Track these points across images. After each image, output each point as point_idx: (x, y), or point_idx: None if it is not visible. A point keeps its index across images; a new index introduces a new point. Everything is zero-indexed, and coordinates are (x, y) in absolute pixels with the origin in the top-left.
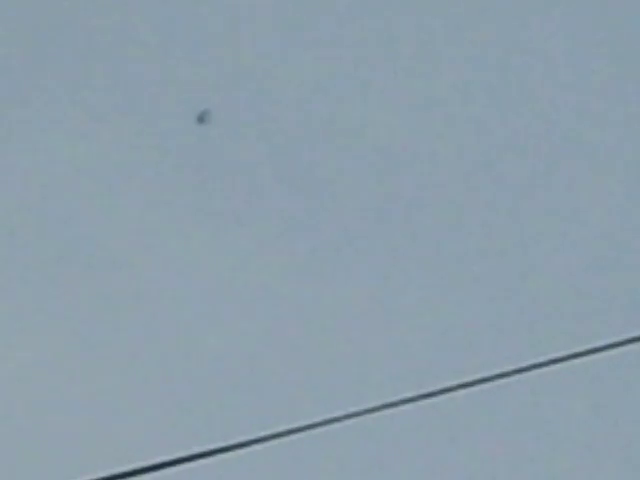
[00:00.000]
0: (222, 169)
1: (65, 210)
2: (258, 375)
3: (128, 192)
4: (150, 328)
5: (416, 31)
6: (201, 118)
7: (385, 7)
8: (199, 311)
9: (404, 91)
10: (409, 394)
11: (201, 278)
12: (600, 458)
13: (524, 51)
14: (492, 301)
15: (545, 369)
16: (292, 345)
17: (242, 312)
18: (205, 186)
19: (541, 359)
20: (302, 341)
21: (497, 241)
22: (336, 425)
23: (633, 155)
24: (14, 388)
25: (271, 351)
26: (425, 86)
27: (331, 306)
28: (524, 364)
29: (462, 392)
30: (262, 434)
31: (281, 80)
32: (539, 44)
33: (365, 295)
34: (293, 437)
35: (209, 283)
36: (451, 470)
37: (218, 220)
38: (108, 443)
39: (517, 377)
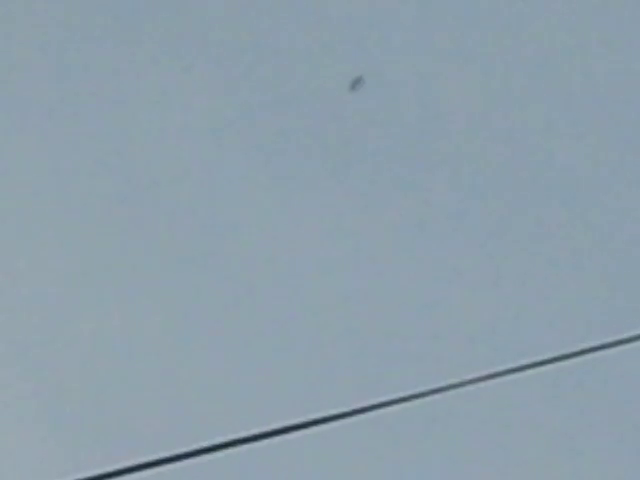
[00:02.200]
0: (372, 138)
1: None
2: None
3: (274, 160)
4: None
5: None
6: (353, 85)
7: None
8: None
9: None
10: (408, 392)
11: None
12: (600, 457)
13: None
14: (494, 299)
15: (542, 368)
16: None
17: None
18: (354, 155)
19: (540, 358)
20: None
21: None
22: (335, 423)
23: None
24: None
25: (264, 346)
26: None
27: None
28: (526, 362)
29: (459, 390)
30: (259, 431)
31: (441, 51)
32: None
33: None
34: (289, 436)
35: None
36: (451, 468)
37: (365, 192)
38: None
39: (514, 376)
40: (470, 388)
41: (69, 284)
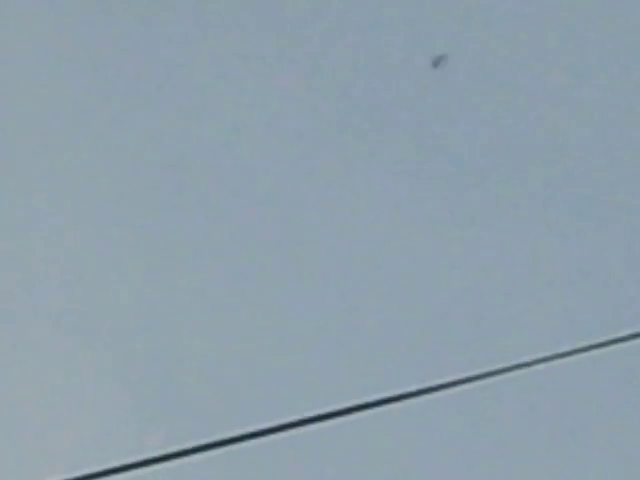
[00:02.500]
0: (454, 116)
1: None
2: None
3: (355, 138)
4: None
5: None
6: (436, 62)
7: None
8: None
9: None
10: (410, 389)
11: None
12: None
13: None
14: (493, 296)
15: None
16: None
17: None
18: (434, 132)
19: (543, 354)
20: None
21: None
22: (337, 420)
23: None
24: None
25: (268, 341)
26: None
27: None
28: (526, 359)
29: (463, 387)
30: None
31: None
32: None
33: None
34: (289, 433)
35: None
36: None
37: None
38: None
39: (518, 372)
40: (470, 385)
41: (148, 272)
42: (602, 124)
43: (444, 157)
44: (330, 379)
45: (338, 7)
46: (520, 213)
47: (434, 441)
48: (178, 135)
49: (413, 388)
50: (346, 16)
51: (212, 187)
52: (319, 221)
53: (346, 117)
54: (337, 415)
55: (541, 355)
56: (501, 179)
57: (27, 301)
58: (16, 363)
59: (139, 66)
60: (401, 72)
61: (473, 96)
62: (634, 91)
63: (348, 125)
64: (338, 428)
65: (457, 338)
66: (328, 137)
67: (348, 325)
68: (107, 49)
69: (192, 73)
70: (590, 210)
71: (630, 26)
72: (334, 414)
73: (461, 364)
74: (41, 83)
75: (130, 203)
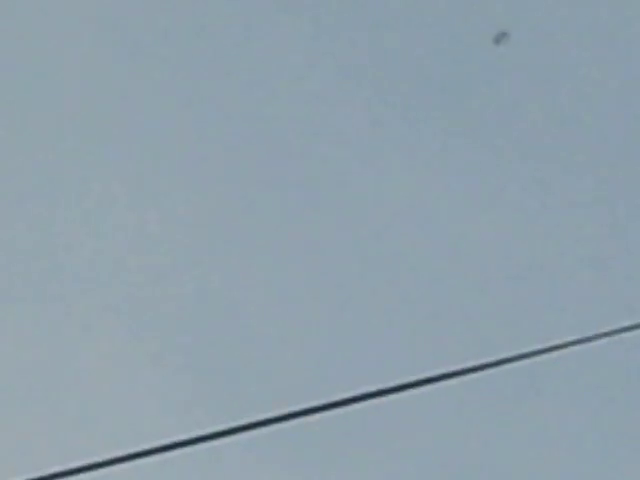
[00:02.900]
0: (514, 95)
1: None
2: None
3: (414, 113)
4: None
5: None
6: (498, 39)
7: None
8: None
9: None
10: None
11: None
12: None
13: None
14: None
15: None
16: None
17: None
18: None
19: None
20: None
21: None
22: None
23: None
24: None
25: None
26: None
27: None
28: (522, 351)
29: (458, 380)
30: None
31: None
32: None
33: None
34: (287, 424)
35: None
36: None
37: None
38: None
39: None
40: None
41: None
42: None
43: (501, 137)
44: (327, 371)
45: None
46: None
47: (432, 433)
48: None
49: (411, 379)
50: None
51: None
52: (329, 213)
53: (408, 96)
54: (332, 407)
55: (540, 347)
56: (550, 162)
57: (75, 286)
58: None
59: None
60: (462, 48)
61: (534, 74)
62: None
63: (410, 103)
64: (334, 419)
65: (456, 329)
66: (389, 114)
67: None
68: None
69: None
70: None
71: None
72: (328, 406)
73: (459, 356)
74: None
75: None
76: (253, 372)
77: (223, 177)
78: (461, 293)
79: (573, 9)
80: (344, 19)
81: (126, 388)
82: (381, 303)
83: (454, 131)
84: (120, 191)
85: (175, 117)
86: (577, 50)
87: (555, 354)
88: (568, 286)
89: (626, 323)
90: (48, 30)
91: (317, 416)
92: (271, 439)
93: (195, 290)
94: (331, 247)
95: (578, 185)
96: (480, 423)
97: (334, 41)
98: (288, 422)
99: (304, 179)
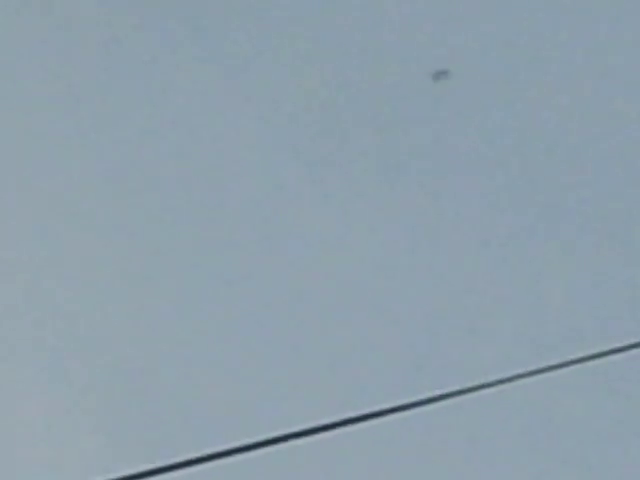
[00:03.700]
0: (454, 129)
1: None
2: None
3: (347, 148)
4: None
5: None
6: (437, 77)
7: None
8: None
9: None
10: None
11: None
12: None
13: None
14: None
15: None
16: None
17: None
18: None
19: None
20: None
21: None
22: (343, 429)
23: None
24: None
25: (267, 348)
26: None
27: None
28: (534, 367)
29: (472, 395)
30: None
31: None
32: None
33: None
34: (292, 443)
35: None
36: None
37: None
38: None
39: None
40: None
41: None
42: (607, 138)
43: (443, 170)
44: (312, 393)
45: (339, 20)
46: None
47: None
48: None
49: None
50: (347, 28)
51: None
52: (312, 236)
53: (343, 129)
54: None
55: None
56: (496, 192)
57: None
58: None
59: None
60: (401, 85)
61: (473, 111)
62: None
63: (344, 137)
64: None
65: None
66: (324, 149)
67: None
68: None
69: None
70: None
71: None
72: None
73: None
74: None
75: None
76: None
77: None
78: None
79: (514, 47)
80: (283, 52)
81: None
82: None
83: (390, 168)
84: None
85: None
86: (516, 88)
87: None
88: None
89: None
90: None
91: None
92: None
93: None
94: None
95: (515, 222)
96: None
97: (266, 76)
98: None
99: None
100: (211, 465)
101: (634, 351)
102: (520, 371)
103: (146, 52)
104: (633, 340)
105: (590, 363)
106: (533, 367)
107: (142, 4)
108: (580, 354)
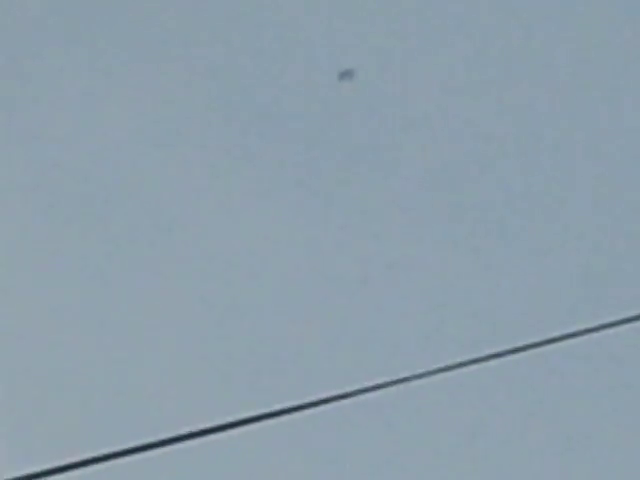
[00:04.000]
0: (359, 128)
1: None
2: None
3: (263, 146)
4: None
5: None
6: (343, 76)
7: None
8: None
9: None
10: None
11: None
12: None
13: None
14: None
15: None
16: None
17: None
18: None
19: (535, 340)
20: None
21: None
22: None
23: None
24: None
25: (269, 329)
26: None
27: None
28: (518, 344)
29: (455, 372)
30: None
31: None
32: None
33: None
34: (286, 418)
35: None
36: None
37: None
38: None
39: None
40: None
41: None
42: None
43: (347, 170)
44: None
45: (245, 19)
46: (413, 225)
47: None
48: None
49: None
50: (253, 27)
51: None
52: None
53: (247, 127)
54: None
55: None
56: (404, 194)
57: None
58: None
59: None
60: (306, 84)
61: (378, 109)
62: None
63: (249, 136)
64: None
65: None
66: (228, 148)
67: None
68: None
69: None
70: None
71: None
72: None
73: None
74: None
75: None
76: None
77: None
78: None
79: (418, 47)
80: (189, 52)
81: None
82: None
83: (296, 168)
84: None
85: None
86: (420, 89)
87: None
88: None
89: None
90: None
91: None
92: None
93: None
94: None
95: (432, 230)
96: None
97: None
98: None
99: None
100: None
101: (541, 349)
102: (422, 370)
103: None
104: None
105: (498, 361)
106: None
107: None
108: (492, 350)
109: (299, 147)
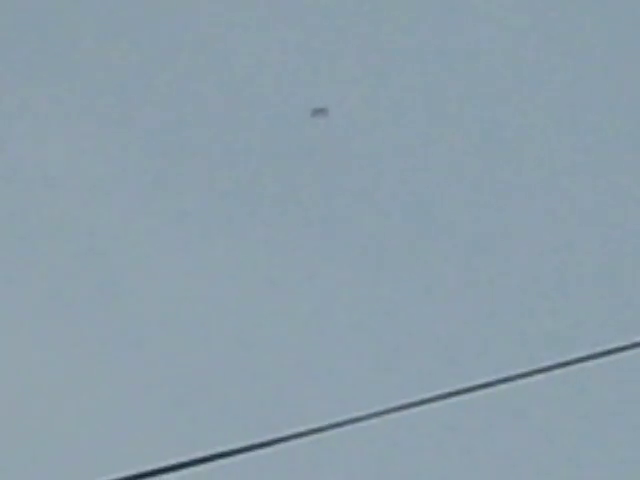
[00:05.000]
0: (326, 166)
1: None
2: (254, 378)
3: (237, 184)
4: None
5: None
6: (315, 114)
7: None
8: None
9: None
10: (411, 399)
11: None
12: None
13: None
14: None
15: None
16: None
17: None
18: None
19: (542, 364)
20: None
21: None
22: (339, 430)
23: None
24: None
25: (271, 354)
26: None
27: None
28: (527, 369)
29: (464, 397)
30: (261, 440)
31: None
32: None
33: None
34: (295, 442)
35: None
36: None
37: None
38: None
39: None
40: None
41: None
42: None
43: (319, 202)
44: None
45: (220, 57)
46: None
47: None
48: None
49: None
50: (228, 64)
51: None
52: None
53: (220, 162)
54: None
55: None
56: (368, 227)
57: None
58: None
59: None
60: (279, 120)
61: (346, 146)
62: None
63: (222, 170)
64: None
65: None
66: (202, 180)
67: None
68: None
69: None
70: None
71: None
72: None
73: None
74: None
75: None
76: None
77: None
78: None
79: (390, 87)
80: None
81: None
82: None
83: (268, 202)
84: None
85: None
86: (388, 128)
87: None
88: None
89: None
90: None
91: None
92: None
93: None
94: None
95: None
96: None
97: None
98: None
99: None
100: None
101: None
102: None
103: None
104: None
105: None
106: None
107: None
108: None
109: (270, 180)
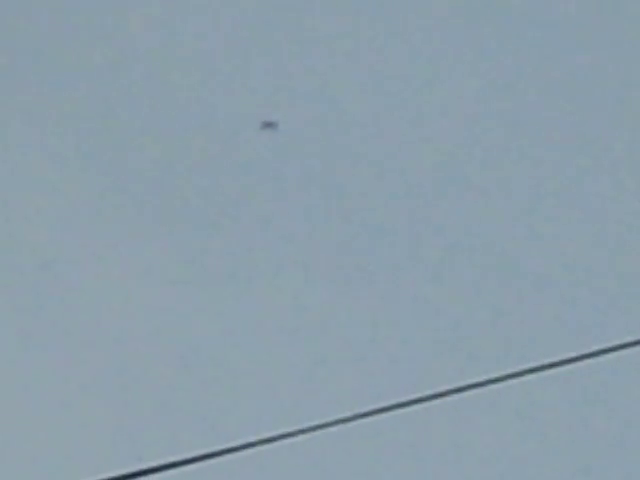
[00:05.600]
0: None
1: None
2: (252, 377)
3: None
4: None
5: None
6: (266, 125)
7: None
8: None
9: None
10: (406, 398)
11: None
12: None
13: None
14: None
15: (542, 373)
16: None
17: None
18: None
19: (540, 362)
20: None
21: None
22: (335, 428)
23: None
24: None
25: (272, 353)
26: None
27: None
28: (523, 367)
29: (460, 395)
30: (255, 438)
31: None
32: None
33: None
34: (290, 440)
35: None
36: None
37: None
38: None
39: (513, 381)
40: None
41: None
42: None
43: (266, 215)
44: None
45: (171, 69)
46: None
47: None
48: None
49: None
50: (179, 78)
51: None
52: None
53: (163, 173)
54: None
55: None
56: (320, 240)
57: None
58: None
59: None
60: (230, 133)
61: (295, 159)
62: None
63: (167, 183)
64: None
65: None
66: (145, 194)
67: None
68: None
69: None
70: None
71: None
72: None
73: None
74: None
75: None
76: None
77: None
78: None
79: (341, 101)
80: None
81: None
82: None
83: (216, 214)
84: None
85: None
86: (337, 142)
87: None
88: None
89: None
90: None
91: None
92: None
93: None
94: None
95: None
96: None
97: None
98: None
99: None
100: None
101: None
102: None
103: None
104: None
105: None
106: None
107: None
108: None
109: (217, 193)
